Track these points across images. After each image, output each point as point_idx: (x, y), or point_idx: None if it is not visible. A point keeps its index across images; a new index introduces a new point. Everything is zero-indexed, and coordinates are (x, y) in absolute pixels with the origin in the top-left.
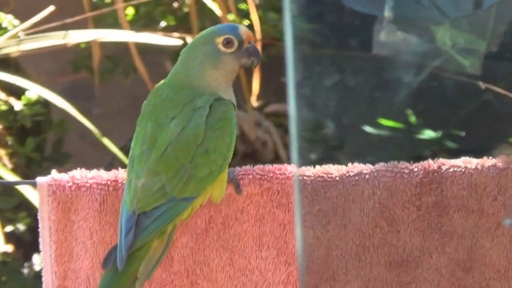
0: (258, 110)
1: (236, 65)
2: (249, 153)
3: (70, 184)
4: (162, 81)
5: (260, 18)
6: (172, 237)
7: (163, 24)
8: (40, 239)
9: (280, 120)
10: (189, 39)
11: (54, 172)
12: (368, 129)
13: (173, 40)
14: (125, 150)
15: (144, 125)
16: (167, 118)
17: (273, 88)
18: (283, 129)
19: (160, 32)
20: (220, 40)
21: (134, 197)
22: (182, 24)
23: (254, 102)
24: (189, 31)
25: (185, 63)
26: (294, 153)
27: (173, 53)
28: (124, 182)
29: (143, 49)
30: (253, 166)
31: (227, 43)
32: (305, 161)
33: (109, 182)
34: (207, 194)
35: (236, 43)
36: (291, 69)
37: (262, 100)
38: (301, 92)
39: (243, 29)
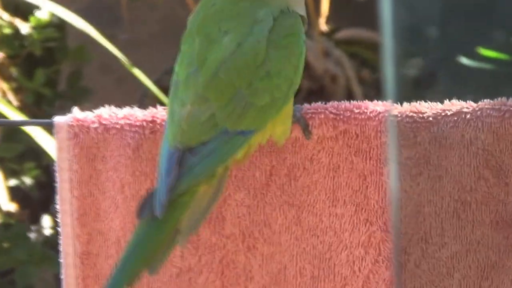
0: (327, 37)
1: None
2: (315, 89)
3: (96, 125)
4: None
5: None
6: (224, 182)
7: None
8: (57, 195)
9: (354, 49)
10: None
11: (76, 110)
12: (465, 60)
13: None
14: (160, 85)
15: (191, 43)
16: (219, 32)
17: (346, 9)
18: (358, 60)
19: None
20: None
21: (178, 129)
22: None
23: (322, 25)
24: None
25: None
26: (389, 82)
27: None
28: (164, 122)
29: None
30: (325, 103)
31: None
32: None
33: (144, 123)
34: (267, 131)
35: None
36: None
37: (332, 24)
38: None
39: None
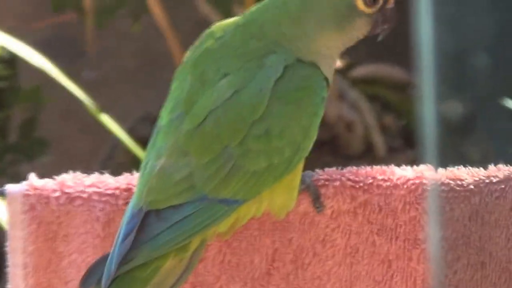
0: (341, 74)
1: (367, 31)
2: (327, 140)
3: (57, 194)
4: (230, 20)
5: None
6: (198, 258)
7: None
8: (8, 285)
9: (375, 90)
10: None
11: (32, 177)
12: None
13: None
14: (134, 135)
15: (183, 81)
16: (217, 73)
17: (364, 41)
18: (379, 103)
19: None
20: None
21: (146, 185)
22: None
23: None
24: None
25: (285, 9)
26: (429, 142)
27: None
28: None
29: None
30: (341, 169)
31: (372, 1)
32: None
33: (117, 192)
34: (263, 201)
35: (380, 3)
36: None
37: (348, 59)
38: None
39: None
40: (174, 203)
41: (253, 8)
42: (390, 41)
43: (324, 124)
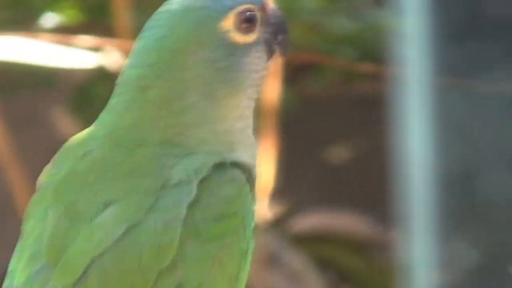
0: (277, 227)
1: (266, 60)
2: None
3: None
4: (85, 131)
5: None
6: None
7: (49, 19)
8: None
9: (326, 251)
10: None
11: None
12: None
13: (80, 55)
14: None
15: (40, 217)
16: (93, 204)
17: (314, 181)
18: (333, 270)
19: (44, 34)
20: (229, 22)
21: None
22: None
23: (262, 208)
24: (107, 30)
25: (144, 95)
26: None
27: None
28: None
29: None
30: None
31: (247, 22)
32: None
33: None
34: None
35: (259, 18)
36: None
37: (287, 203)
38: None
39: None
40: None
41: (108, 108)
42: (350, 177)
43: None
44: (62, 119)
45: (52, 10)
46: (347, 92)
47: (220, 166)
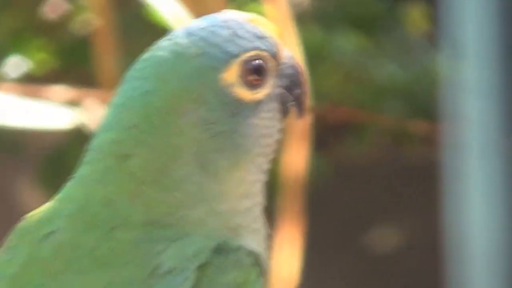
0: None
1: (279, 120)
2: None
3: None
4: (45, 206)
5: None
6: None
7: (13, 65)
8: None
9: None
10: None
11: None
12: None
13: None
14: None
15: None
16: None
17: (342, 254)
18: None
19: (6, 84)
20: (232, 73)
21: None
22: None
23: None
24: (86, 79)
25: (121, 165)
26: None
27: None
28: None
29: None
30: None
31: (255, 73)
32: None
33: None
34: None
35: (270, 68)
36: None
37: None
38: None
39: (267, 27)
40: None
41: (76, 179)
42: (396, 268)
43: None
44: (28, 193)
45: (17, 54)
46: (393, 158)
47: (222, 249)
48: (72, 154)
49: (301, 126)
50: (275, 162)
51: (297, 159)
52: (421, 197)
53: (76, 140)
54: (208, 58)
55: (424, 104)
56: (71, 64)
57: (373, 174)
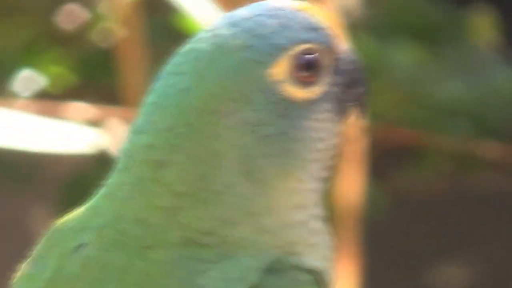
0: None
1: (335, 122)
2: None
3: None
4: (75, 214)
5: None
6: None
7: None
8: None
9: None
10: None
11: None
12: None
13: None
14: None
15: None
16: None
17: None
18: None
19: (19, 101)
20: (281, 68)
21: None
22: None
23: None
24: (109, 95)
25: (155, 174)
26: None
27: None
28: None
29: None
30: None
31: (307, 69)
32: None
33: None
34: None
35: (324, 63)
36: None
37: None
38: None
39: (322, 16)
40: None
41: (105, 190)
42: None
43: None
44: (44, 222)
45: (30, 67)
46: (460, 186)
47: (274, 269)
48: (93, 180)
49: (355, 150)
50: (327, 191)
51: (352, 188)
52: (492, 231)
53: (98, 164)
54: (253, 51)
55: (493, 125)
56: (91, 79)
57: (436, 204)
